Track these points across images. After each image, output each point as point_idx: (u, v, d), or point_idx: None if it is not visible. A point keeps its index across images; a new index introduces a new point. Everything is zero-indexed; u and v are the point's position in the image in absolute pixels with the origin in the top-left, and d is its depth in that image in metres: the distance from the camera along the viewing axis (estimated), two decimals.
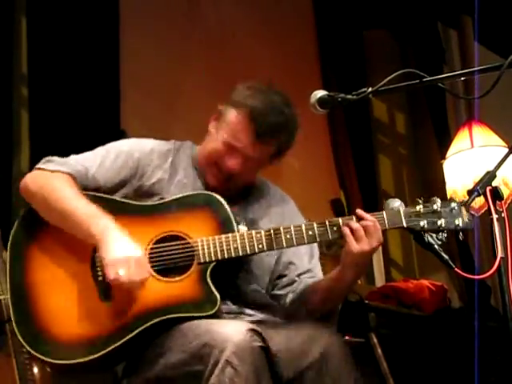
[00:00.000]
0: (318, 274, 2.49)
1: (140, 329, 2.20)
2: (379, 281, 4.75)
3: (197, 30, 4.59)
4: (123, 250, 2.19)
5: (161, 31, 4.42)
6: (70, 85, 4.09)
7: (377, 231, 2.20)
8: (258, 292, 2.46)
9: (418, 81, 2.07)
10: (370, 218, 2.19)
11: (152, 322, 2.20)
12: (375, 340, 3.20)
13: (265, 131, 2.34)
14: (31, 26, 4.13)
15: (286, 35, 5.06)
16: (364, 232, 2.19)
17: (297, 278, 2.47)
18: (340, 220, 2.26)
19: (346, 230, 2.21)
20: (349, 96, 2.18)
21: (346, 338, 3.13)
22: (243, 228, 2.40)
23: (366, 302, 3.42)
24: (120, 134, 3.97)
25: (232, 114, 2.39)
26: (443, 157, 4.36)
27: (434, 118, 5.18)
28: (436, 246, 2.23)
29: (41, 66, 4.12)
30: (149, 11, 4.40)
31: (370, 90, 2.11)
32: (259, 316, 2.38)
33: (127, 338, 2.19)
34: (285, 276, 2.48)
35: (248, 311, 2.39)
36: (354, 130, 5.00)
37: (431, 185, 5.12)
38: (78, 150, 2.50)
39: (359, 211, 2.24)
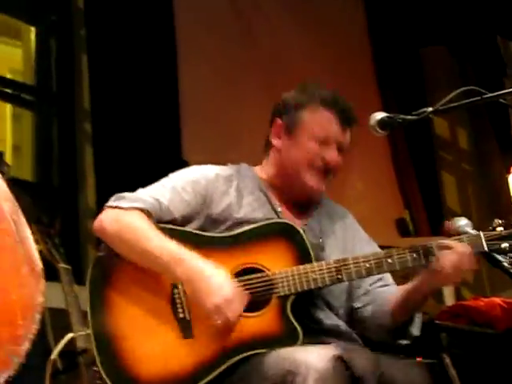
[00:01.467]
0: (389, 280, 2.51)
1: (224, 366, 2.22)
2: (449, 299, 4.80)
3: (252, 57, 4.77)
4: (221, 291, 2.22)
5: (217, 60, 4.62)
6: (131, 118, 4.29)
7: (468, 263, 2.20)
8: (336, 321, 2.47)
9: (478, 98, 2.07)
10: (460, 250, 2.19)
11: (236, 359, 2.21)
12: (448, 360, 3.18)
13: (345, 115, 2.43)
14: (92, 62, 4.37)
15: (342, 58, 5.21)
16: (453, 264, 2.19)
17: (370, 287, 2.49)
18: (420, 247, 2.26)
19: (436, 263, 2.21)
20: (409, 116, 2.20)
21: (418, 359, 3.12)
22: (322, 254, 2.44)
23: (437, 321, 3.43)
24: (182, 164, 4.13)
25: (308, 113, 2.47)
26: (508, 171, 4.35)
27: (498, 133, 5.26)
28: (505, 264, 2.21)
29: (103, 101, 4.35)
30: (205, 42, 4.61)
31: (430, 109, 2.13)
32: (338, 342, 2.37)
33: (213, 375, 2.22)
34: (359, 287, 2.50)
35: (328, 340, 2.38)
36: (416, 148, 5.10)
37: (497, 200, 5.16)
38: (143, 182, 2.55)
39: (444, 242, 2.23)
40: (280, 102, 2.59)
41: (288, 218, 2.51)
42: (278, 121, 2.50)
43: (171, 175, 2.53)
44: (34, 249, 1.45)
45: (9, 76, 4.81)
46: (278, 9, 5.12)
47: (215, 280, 2.20)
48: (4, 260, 1.42)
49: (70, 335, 3.14)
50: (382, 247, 2.62)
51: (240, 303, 2.21)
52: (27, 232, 1.44)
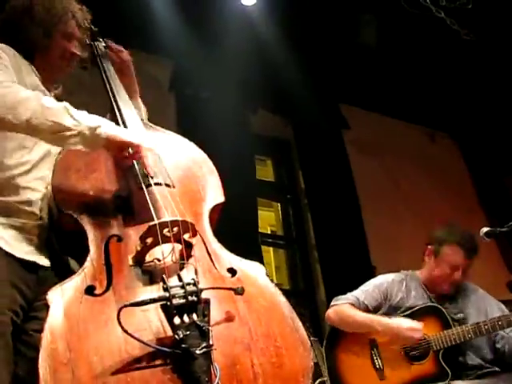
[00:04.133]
0: None
1: None
2: None
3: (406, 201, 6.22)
4: (405, 324, 3.00)
5: (388, 201, 6.19)
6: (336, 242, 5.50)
7: None
8: (478, 361, 3.02)
9: None
10: None
11: None
12: None
13: (472, 253, 3.11)
14: (314, 220, 5.90)
15: (451, 192, 6.35)
16: None
17: (505, 334, 3.04)
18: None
19: None
20: (504, 229, 2.77)
21: None
22: (463, 321, 3.01)
23: None
24: (371, 268, 5.45)
25: (446, 248, 3.14)
26: None
27: None
28: None
29: (324, 236, 5.67)
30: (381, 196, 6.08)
31: None
32: (479, 372, 2.97)
33: None
34: (497, 334, 3.05)
35: (470, 372, 2.99)
36: None
37: None
38: (353, 283, 3.43)
39: None
40: (431, 235, 3.28)
41: (438, 302, 3.20)
42: (429, 247, 3.25)
43: (366, 283, 3.37)
44: (304, 332, 1.77)
45: (269, 230, 6.60)
46: (414, 168, 6.57)
47: (402, 320, 3.04)
48: (289, 342, 1.74)
49: (319, 380, 3.79)
50: (501, 301, 3.25)
51: (420, 325, 2.97)
52: (299, 322, 1.80)
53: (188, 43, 5.27)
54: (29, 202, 2.06)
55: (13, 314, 1.90)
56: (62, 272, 2.00)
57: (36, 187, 2.10)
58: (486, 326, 2.86)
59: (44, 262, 2.05)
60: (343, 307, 3.22)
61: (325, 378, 3.37)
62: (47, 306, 1.72)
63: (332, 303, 3.32)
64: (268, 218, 6.57)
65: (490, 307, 3.13)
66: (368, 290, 3.28)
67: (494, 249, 6.31)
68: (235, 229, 4.88)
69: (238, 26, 5.33)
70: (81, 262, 1.88)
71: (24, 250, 1.99)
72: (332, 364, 3.24)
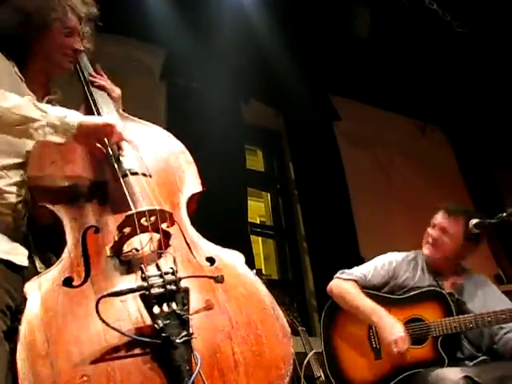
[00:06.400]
0: None
1: (398, 378, 2.91)
2: None
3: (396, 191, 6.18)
4: (396, 332, 2.86)
5: (378, 192, 6.14)
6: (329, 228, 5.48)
7: None
8: (473, 352, 3.01)
9: None
10: None
11: (406, 374, 2.90)
12: None
13: (449, 210, 3.16)
14: (304, 211, 5.85)
15: (440, 184, 6.37)
16: None
17: (504, 334, 3.03)
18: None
19: None
20: (493, 220, 2.88)
21: None
22: (464, 308, 2.97)
23: None
24: (360, 260, 5.07)
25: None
26: None
27: None
28: None
29: (314, 229, 5.64)
30: (369, 187, 6.05)
31: (504, 214, 2.81)
32: (472, 367, 2.90)
33: (392, 382, 2.91)
34: (497, 334, 3.04)
35: (467, 362, 2.98)
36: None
37: None
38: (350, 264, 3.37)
39: None
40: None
41: (445, 284, 3.17)
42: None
43: (376, 258, 3.32)
44: (284, 320, 1.77)
45: (258, 220, 6.57)
46: (404, 160, 6.55)
47: (395, 327, 2.90)
48: (269, 330, 1.72)
49: (308, 357, 3.82)
50: None
51: (407, 342, 2.87)
52: (279, 311, 1.78)
53: (181, 32, 5.25)
54: (9, 205, 2.03)
55: (1, 313, 1.88)
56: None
57: (14, 191, 2.07)
58: (490, 319, 2.85)
59: (21, 260, 2.00)
60: (346, 285, 3.20)
61: (320, 350, 3.39)
62: (25, 299, 1.70)
63: (337, 275, 3.30)
64: (257, 208, 6.57)
65: (495, 301, 3.12)
66: (376, 268, 3.27)
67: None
68: (224, 218, 4.86)
69: (230, 16, 5.32)
70: (58, 256, 1.86)
71: (4, 249, 1.96)
72: (328, 338, 3.24)
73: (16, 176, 2.06)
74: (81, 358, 1.57)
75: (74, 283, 1.75)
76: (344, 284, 3.21)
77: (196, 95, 5.54)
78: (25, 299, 1.70)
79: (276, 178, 6.54)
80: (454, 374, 2.60)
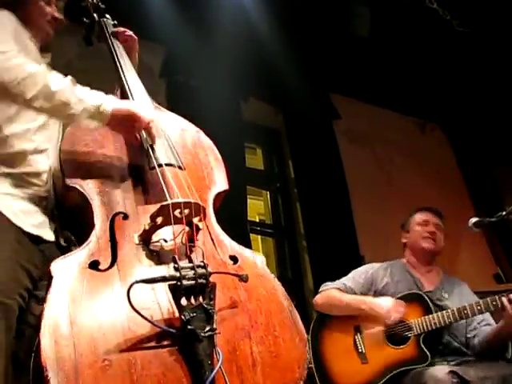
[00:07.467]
0: (490, 320, 3.13)
1: (385, 379, 2.97)
2: None
3: (394, 189, 6.17)
4: (387, 304, 3.09)
5: (374, 190, 6.15)
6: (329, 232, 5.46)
7: None
8: (458, 346, 3.10)
9: None
10: None
11: (392, 374, 2.98)
12: None
13: (434, 211, 3.39)
14: (303, 211, 5.84)
15: (440, 182, 6.33)
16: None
17: (477, 326, 3.14)
18: (496, 297, 2.86)
19: (505, 303, 2.79)
20: (493, 219, 2.84)
21: None
22: (442, 305, 3.08)
23: None
24: (360, 258, 5.40)
25: (414, 218, 3.44)
26: None
27: None
28: None
29: (312, 226, 5.63)
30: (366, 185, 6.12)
31: (504, 213, 2.81)
32: (459, 359, 3.01)
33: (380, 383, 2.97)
34: (470, 325, 3.15)
35: (450, 358, 3.04)
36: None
37: None
38: (341, 273, 3.44)
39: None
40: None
41: (425, 283, 3.28)
42: (403, 232, 3.53)
43: (352, 271, 3.46)
44: (301, 325, 1.81)
45: (257, 218, 6.57)
46: (404, 159, 6.58)
47: (384, 301, 3.13)
48: (286, 333, 1.76)
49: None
50: (486, 292, 3.35)
51: (401, 306, 3.07)
52: (297, 314, 1.83)
53: (180, 30, 5.23)
54: (37, 174, 2.06)
55: (20, 297, 1.89)
56: (66, 248, 2.00)
57: (41, 160, 2.09)
58: (466, 311, 2.92)
59: (50, 236, 2.03)
60: (330, 291, 3.34)
61: (311, 365, 3.38)
62: (50, 277, 1.70)
63: (320, 289, 3.43)
64: (257, 207, 6.57)
65: (468, 296, 3.24)
66: (354, 277, 3.39)
67: (482, 240, 6.31)
68: (224, 216, 4.72)
69: (230, 14, 5.30)
70: (82, 238, 1.86)
71: (32, 223, 1.97)
72: (317, 351, 3.28)
73: (41, 142, 2.09)
74: (104, 342, 1.56)
75: (101, 267, 1.75)
76: (327, 292, 3.38)
77: (195, 93, 5.53)
78: (50, 277, 1.69)
79: (275, 176, 6.55)
80: (439, 370, 2.67)
